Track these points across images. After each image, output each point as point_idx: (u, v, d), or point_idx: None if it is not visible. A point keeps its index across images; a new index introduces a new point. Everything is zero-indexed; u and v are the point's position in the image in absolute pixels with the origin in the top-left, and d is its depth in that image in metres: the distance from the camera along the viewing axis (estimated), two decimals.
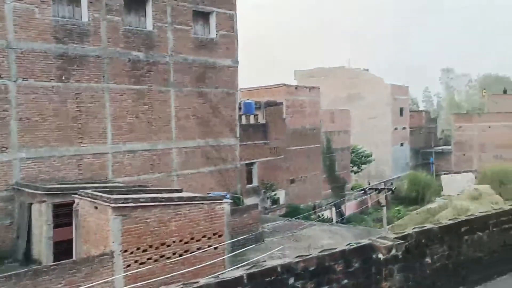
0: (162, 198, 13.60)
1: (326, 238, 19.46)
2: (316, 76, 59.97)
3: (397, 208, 42.58)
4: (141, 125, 21.27)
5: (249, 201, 31.41)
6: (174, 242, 13.32)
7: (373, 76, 58.74)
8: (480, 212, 5.34)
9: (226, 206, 14.50)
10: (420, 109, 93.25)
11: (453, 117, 68.34)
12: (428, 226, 4.86)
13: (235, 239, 15.99)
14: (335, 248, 4.55)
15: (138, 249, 12.77)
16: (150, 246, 12.90)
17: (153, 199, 13.25)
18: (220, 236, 14.20)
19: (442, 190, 48.81)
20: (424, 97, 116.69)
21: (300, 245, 18.12)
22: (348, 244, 4.65)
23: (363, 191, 35.93)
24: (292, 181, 36.23)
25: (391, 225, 37.32)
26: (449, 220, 5.07)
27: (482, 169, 50.80)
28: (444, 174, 51.82)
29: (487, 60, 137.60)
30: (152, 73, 21.71)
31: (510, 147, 58.14)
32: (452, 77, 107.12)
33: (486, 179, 44.74)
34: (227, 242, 14.40)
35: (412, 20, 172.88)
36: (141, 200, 13.03)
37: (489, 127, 59.95)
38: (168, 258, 13.13)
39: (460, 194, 41.71)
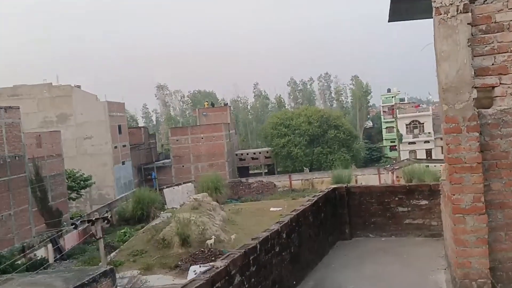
0: None
1: None
2: (18, 95, 52.06)
3: (123, 230, 40.49)
4: None
5: None
6: None
7: (85, 93, 55.04)
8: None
9: None
10: (140, 125, 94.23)
11: (170, 131, 71.31)
12: None
13: None
14: None
15: None
16: None
17: None
18: None
19: (165, 204, 49.62)
20: (143, 114, 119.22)
21: None
22: None
23: (73, 226, 32.05)
24: None
25: (117, 250, 35.03)
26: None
27: (199, 178, 54.32)
28: (166, 187, 52.95)
29: (193, 76, 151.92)
30: None
31: (219, 155, 64.46)
32: (166, 93, 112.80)
33: (204, 187, 47.85)
34: None
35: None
36: None
37: (202, 138, 64.94)
38: None
39: (183, 205, 42.99)
